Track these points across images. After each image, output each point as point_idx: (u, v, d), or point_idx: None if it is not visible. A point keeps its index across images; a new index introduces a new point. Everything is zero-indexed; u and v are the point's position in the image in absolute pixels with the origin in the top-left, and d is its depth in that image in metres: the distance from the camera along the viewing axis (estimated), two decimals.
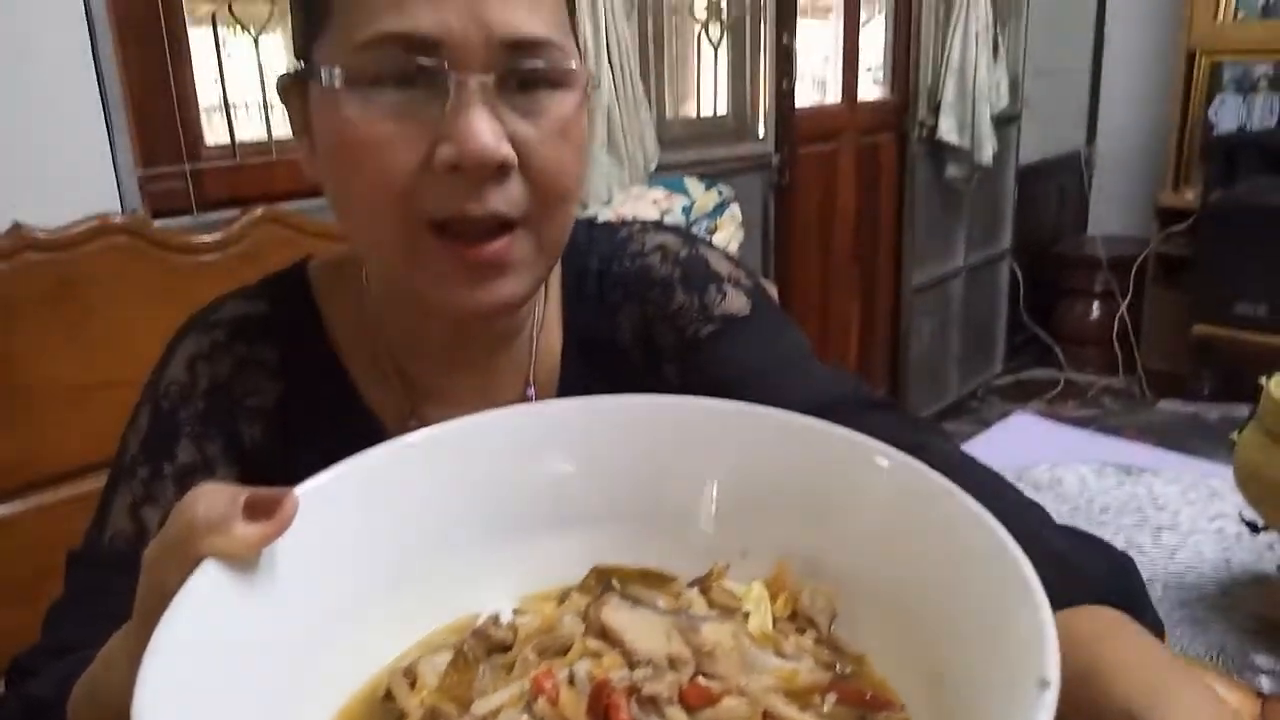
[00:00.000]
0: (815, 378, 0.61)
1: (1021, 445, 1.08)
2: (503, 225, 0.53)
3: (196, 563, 0.32)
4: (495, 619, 0.35)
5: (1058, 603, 0.40)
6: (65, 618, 0.58)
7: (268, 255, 1.11)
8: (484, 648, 0.34)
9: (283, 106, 0.61)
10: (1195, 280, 3.19)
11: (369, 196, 0.52)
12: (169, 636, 0.29)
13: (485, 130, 0.50)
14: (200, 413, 0.62)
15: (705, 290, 0.66)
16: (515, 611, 0.37)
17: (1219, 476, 0.97)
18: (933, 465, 0.49)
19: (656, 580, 0.39)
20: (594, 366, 0.67)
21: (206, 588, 0.31)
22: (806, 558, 0.37)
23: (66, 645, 0.54)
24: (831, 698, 0.32)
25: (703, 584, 0.37)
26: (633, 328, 0.67)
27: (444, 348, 0.63)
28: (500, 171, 0.51)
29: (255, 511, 0.33)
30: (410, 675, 0.33)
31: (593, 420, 0.42)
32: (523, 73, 0.52)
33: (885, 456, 0.37)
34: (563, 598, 0.36)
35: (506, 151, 0.51)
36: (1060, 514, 0.93)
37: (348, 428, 0.64)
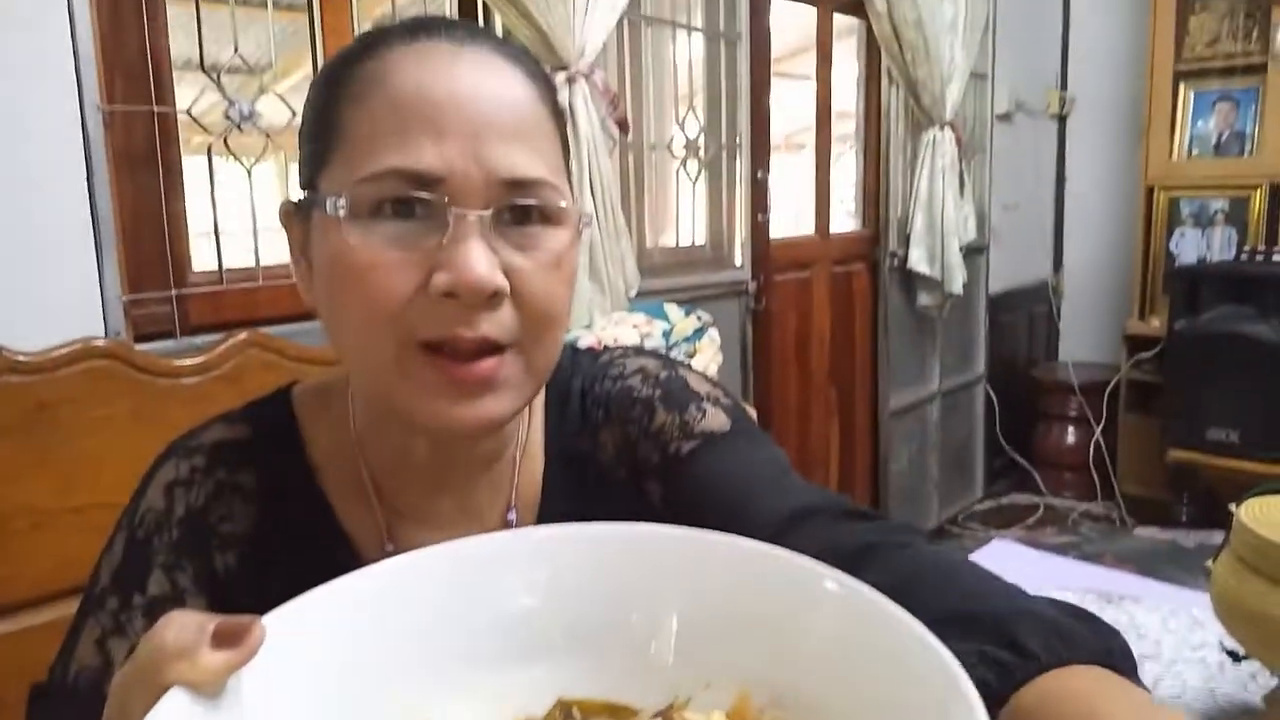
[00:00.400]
0: (795, 489, 0.61)
1: (1002, 572, 1.08)
2: (493, 348, 0.55)
3: (164, 690, 0.32)
4: None
5: (1052, 663, 0.40)
6: None
7: (249, 379, 1.11)
8: None
9: (283, 231, 0.62)
10: (1167, 406, 3.25)
11: (364, 316, 0.54)
12: None
13: (481, 260, 0.52)
14: (174, 541, 0.62)
15: (686, 409, 0.66)
16: None
17: (1199, 604, 0.96)
18: (917, 564, 0.50)
19: (620, 713, 0.39)
20: (576, 487, 0.68)
21: (173, 715, 0.31)
22: (768, 686, 0.37)
23: None
24: None
25: (665, 716, 0.37)
26: (615, 447, 0.68)
27: (426, 469, 0.64)
28: (493, 299, 0.53)
29: (222, 640, 0.33)
30: None
31: (556, 551, 0.42)
32: (518, 209, 0.55)
33: (834, 581, 0.38)
34: None
35: (500, 281, 0.53)
36: None
37: (323, 553, 0.64)
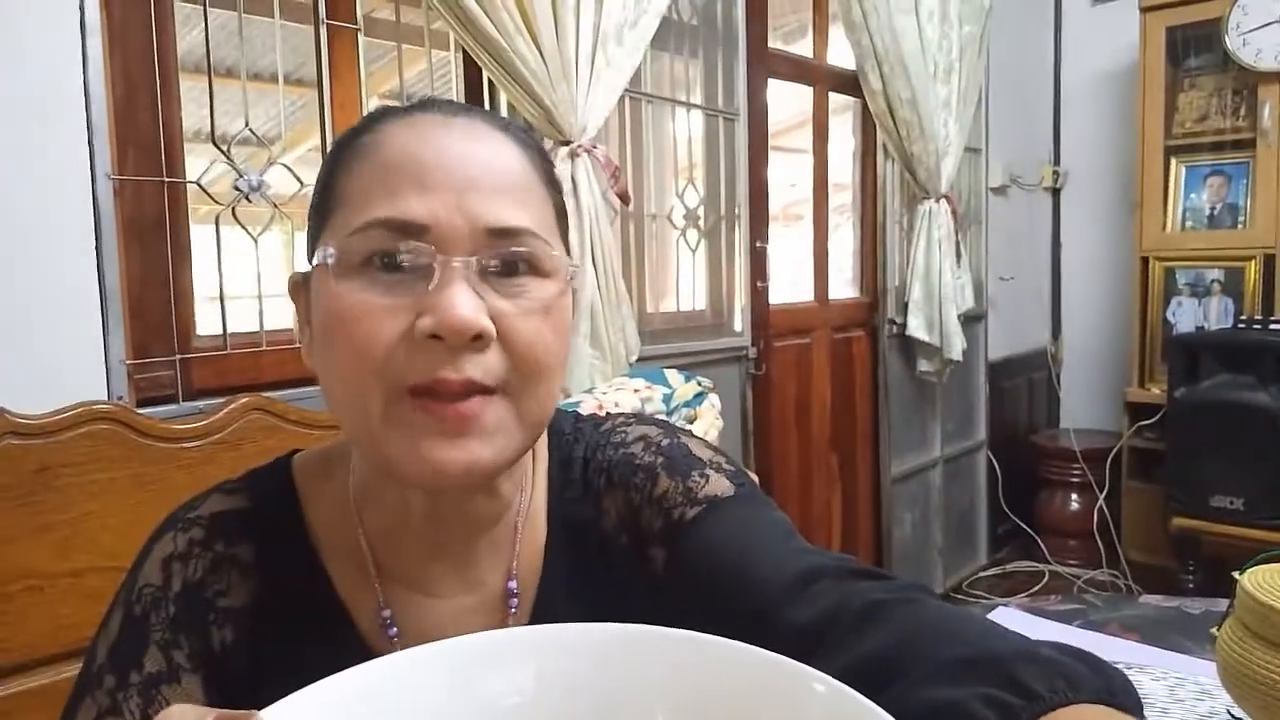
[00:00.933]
0: (801, 551, 0.60)
1: None
2: (479, 389, 0.55)
3: None
4: None
5: (1057, 702, 0.40)
6: None
7: (251, 443, 1.12)
8: None
9: (291, 301, 0.64)
10: (1169, 474, 3.23)
11: (353, 365, 0.54)
12: None
13: (465, 302, 0.53)
14: (170, 618, 0.61)
15: (689, 475, 0.66)
16: None
17: (1206, 672, 0.95)
18: (922, 618, 0.50)
19: None
20: (578, 555, 0.67)
21: None
22: None
23: None
24: None
25: None
26: (618, 513, 0.67)
27: (424, 532, 0.63)
28: (478, 341, 0.54)
29: None
30: None
31: (549, 651, 0.43)
32: (505, 260, 0.56)
33: (822, 684, 0.38)
34: None
35: (485, 323, 0.54)
36: None
37: (319, 623, 0.63)
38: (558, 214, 0.62)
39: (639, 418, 0.73)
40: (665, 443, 0.69)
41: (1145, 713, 0.88)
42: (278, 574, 0.64)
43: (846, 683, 0.47)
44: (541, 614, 0.66)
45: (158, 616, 0.61)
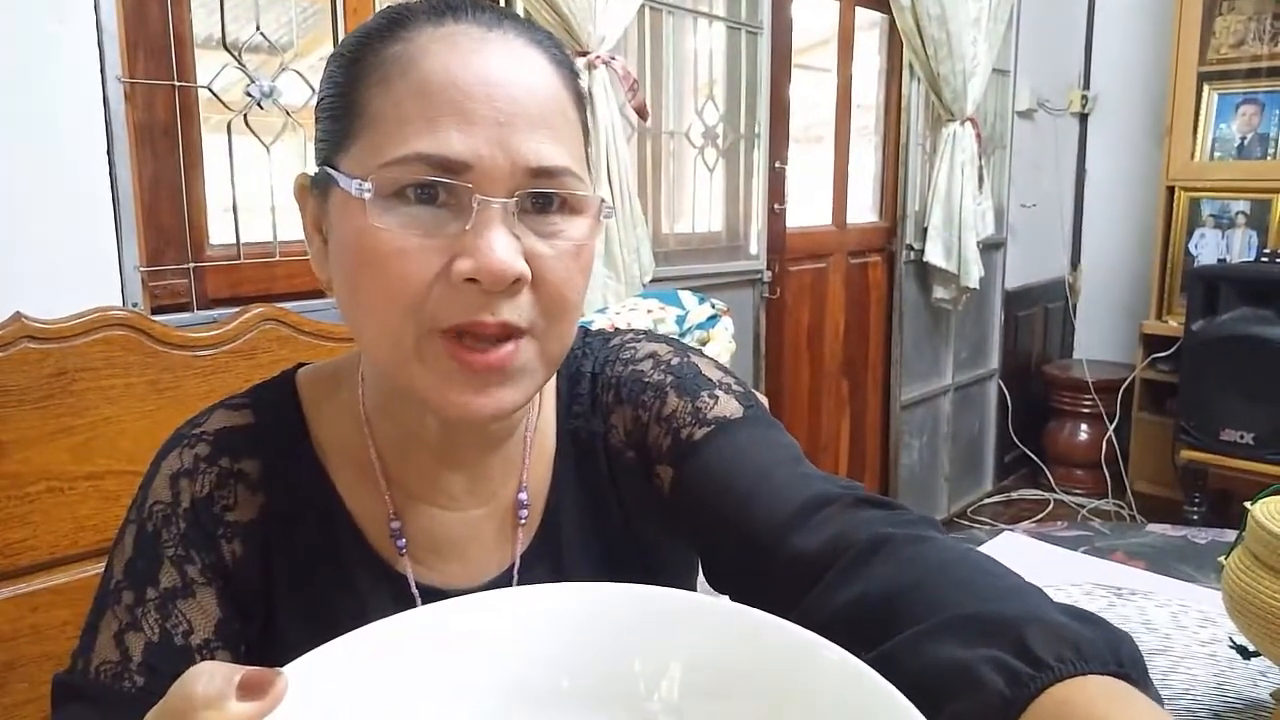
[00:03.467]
0: (809, 476, 0.60)
1: (1012, 565, 1.08)
2: (511, 332, 0.55)
3: None
4: None
5: (1065, 673, 0.40)
6: None
7: (264, 353, 1.12)
8: None
9: (296, 205, 0.63)
10: (1181, 407, 3.23)
11: (385, 302, 0.54)
12: None
13: (504, 247, 0.52)
14: (181, 534, 0.62)
15: (698, 395, 0.66)
16: None
17: (1210, 601, 0.96)
18: (929, 562, 0.49)
19: None
20: (586, 468, 0.68)
21: None
22: None
23: None
24: None
25: None
26: (625, 429, 0.68)
27: (436, 448, 0.64)
28: (514, 285, 0.54)
29: (248, 690, 0.35)
30: None
31: (570, 607, 0.44)
32: (541, 197, 0.55)
33: (831, 651, 0.38)
34: None
35: (522, 268, 0.53)
36: None
37: (328, 537, 0.64)
38: (585, 135, 0.61)
39: (648, 335, 0.73)
40: (675, 361, 0.69)
41: (1147, 638, 0.89)
42: (284, 487, 0.64)
43: (847, 619, 0.47)
44: (549, 526, 0.67)
45: (169, 533, 0.62)
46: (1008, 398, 3.89)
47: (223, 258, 1.55)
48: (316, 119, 0.61)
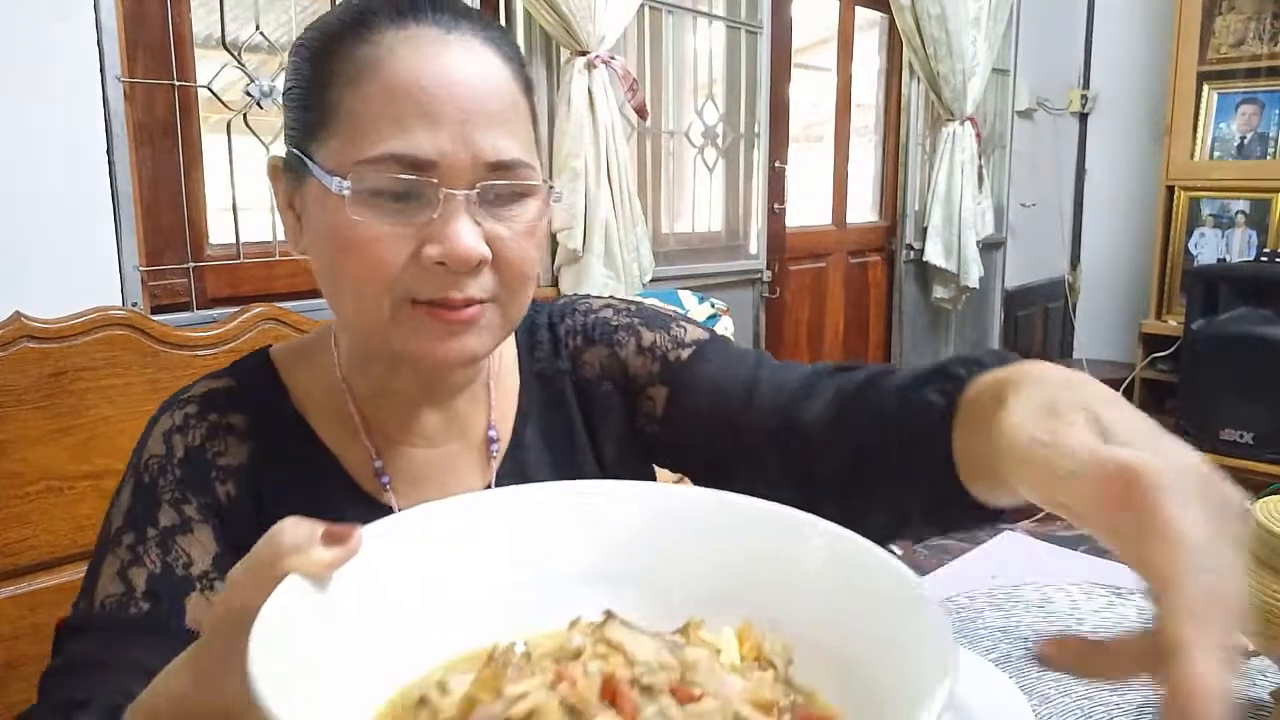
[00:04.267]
0: (786, 366, 0.72)
1: (1011, 564, 1.08)
2: (474, 304, 0.63)
3: (280, 579, 0.39)
4: (513, 644, 0.43)
5: (975, 374, 0.54)
6: (63, 682, 0.61)
7: None
8: (509, 656, 0.41)
9: (270, 183, 0.68)
10: (1181, 406, 3.23)
11: (363, 281, 0.61)
12: (272, 612, 0.37)
13: (468, 234, 0.60)
14: (178, 479, 0.67)
15: (669, 327, 0.78)
16: (527, 642, 0.44)
17: None
18: (892, 373, 0.64)
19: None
20: (551, 401, 0.78)
21: (291, 596, 0.39)
22: (767, 616, 0.46)
23: (75, 701, 0.57)
24: (787, 717, 0.39)
25: (683, 633, 0.45)
26: (601, 366, 0.78)
27: (409, 398, 0.71)
28: (478, 266, 0.61)
29: (330, 539, 0.40)
30: (441, 687, 0.40)
31: (599, 501, 0.50)
32: (498, 188, 0.62)
33: (824, 529, 0.46)
34: (572, 624, 0.43)
35: (484, 251, 0.61)
36: (1049, 634, 0.92)
37: (318, 480, 0.69)
38: (533, 119, 0.67)
39: (591, 295, 0.83)
40: (633, 307, 0.80)
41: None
42: (270, 438, 0.70)
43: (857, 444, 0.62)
44: (516, 451, 0.75)
45: (165, 480, 0.67)
46: None
47: (222, 257, 1.55)
48: (285, 106, 0.66)
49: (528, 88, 0.67)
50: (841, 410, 0.64)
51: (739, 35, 2.55)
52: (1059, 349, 4.25)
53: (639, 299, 0.83)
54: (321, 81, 0.62)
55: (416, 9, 0.61)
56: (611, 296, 0.82)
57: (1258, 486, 0.83)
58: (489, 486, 0.73)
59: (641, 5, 2.06)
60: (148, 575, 0.63)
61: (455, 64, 0.61)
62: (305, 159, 0.62)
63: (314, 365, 0.72)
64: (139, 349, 1.05)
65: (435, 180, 0.59)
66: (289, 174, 0.66)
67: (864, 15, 3.06)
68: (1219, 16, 3.50)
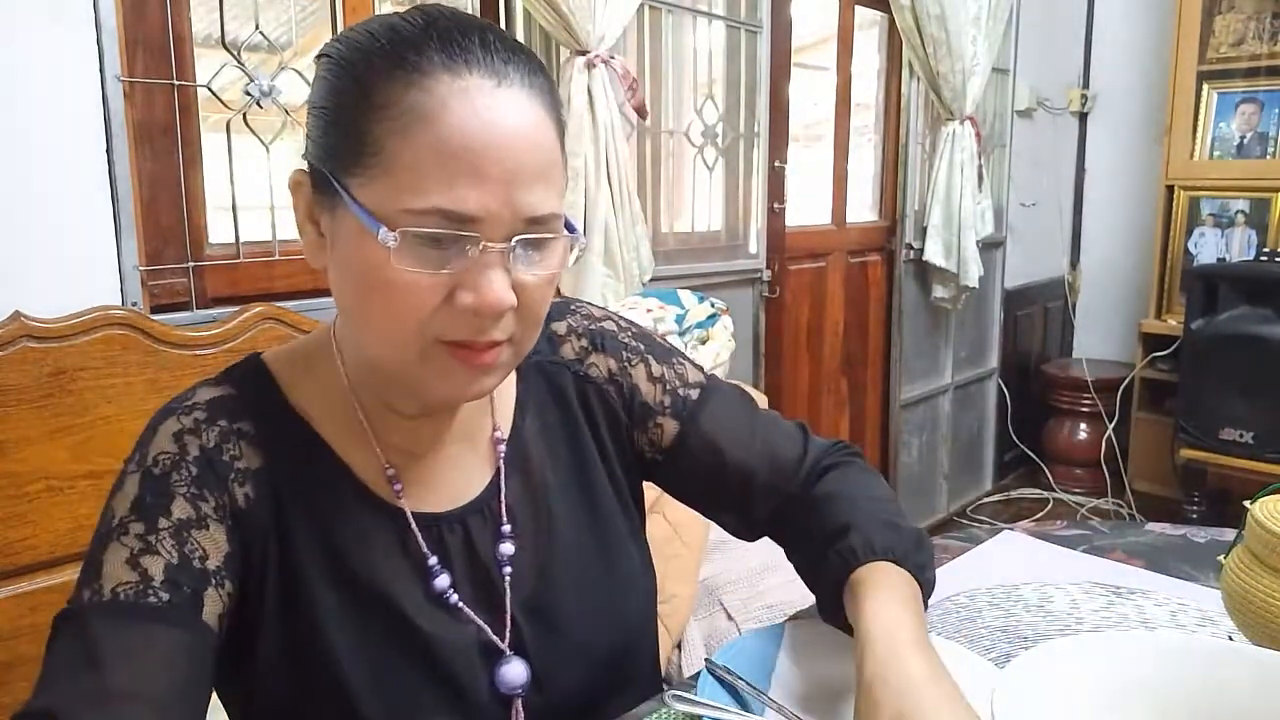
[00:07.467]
0: (783, 433, 0.87)
1: (1010, 563, 1.08)
2: (496, 344, 0.66)
3: None
4: None
5: (867, 558, 0.74)
6: (60, 677, 0.59)
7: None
8: None
9: (290, 196, 0.68)
10: (1180, 406, 3.23)
11: (394, 320, 0.63)
12: None
13: (500, 285, 0.63)
14: (194, 476, 0.66)
15: (672, 362, 0.85)
16: None
17: (1209, 600, 0.96)
18: (849, 480, 0.86)
19: None
20: (551, 392, 0.81)
21: None
22: None
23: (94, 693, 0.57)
24: None
25: None
26: (610, 371, 0.83)
27: (415, 413, 0.73)
28: (505, 312, 0.64)
29: None
30: None
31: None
32: (533, 241, 0.65)
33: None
34: None
35: (513, 300, 0.64)
36: (1048, 634, 0.92)
37: (331, 486, 0.70)
38: (565, 159, 0.68)
39: (586, 302, 0.87)
40: (632, 328, 0.86)
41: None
42: (281, 445, 0.70)
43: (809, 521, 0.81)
44: (517, 440, 0.79)
45: (179, 475, 0.66)
46: (1007, 397, 3.89)
47: (222, 257, 1.55)
48: (312, 118, 0.65)
49: (563, 131, 0.68)
50: (787, 527, 0.84)
51: (739, 35, 2.55)
52: (1059, 348, 4.25)
53: (633, 321, 0.88)
54: (363, 110, 0.61)
55: (468, 52, 0.61)
56: (606, 309, 0.87)
57: (1255, 487, 0.84)
58: (494, 479, 0.77)
59: (641, 4, 2.05)
60: (165, 564, 0.62)
61: (506, 122, 0.62)
62: (341, 188, 0.62)
63: (317, 374, 0.73)
64: (139, 348, 1.05)
65: (476, 235, 0.61)
66: (316, 193, 0.66)
67: (864, 15, 3.06)
68: (1219, 16, 3.49)
